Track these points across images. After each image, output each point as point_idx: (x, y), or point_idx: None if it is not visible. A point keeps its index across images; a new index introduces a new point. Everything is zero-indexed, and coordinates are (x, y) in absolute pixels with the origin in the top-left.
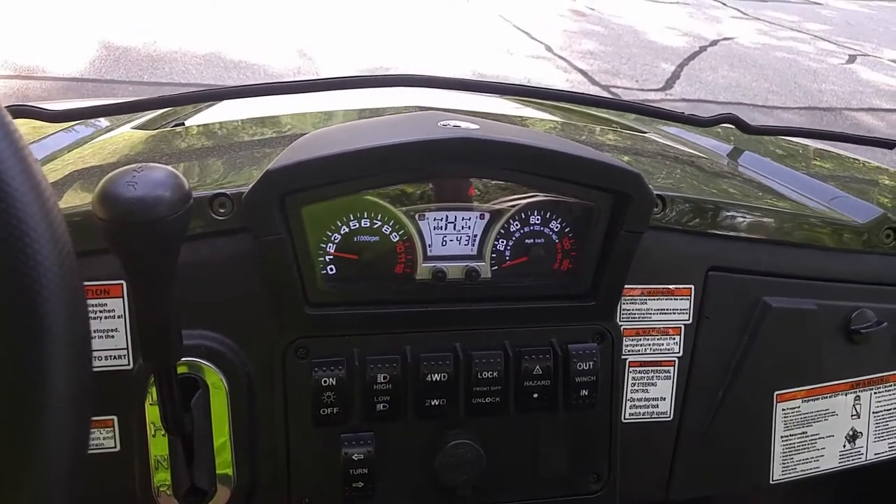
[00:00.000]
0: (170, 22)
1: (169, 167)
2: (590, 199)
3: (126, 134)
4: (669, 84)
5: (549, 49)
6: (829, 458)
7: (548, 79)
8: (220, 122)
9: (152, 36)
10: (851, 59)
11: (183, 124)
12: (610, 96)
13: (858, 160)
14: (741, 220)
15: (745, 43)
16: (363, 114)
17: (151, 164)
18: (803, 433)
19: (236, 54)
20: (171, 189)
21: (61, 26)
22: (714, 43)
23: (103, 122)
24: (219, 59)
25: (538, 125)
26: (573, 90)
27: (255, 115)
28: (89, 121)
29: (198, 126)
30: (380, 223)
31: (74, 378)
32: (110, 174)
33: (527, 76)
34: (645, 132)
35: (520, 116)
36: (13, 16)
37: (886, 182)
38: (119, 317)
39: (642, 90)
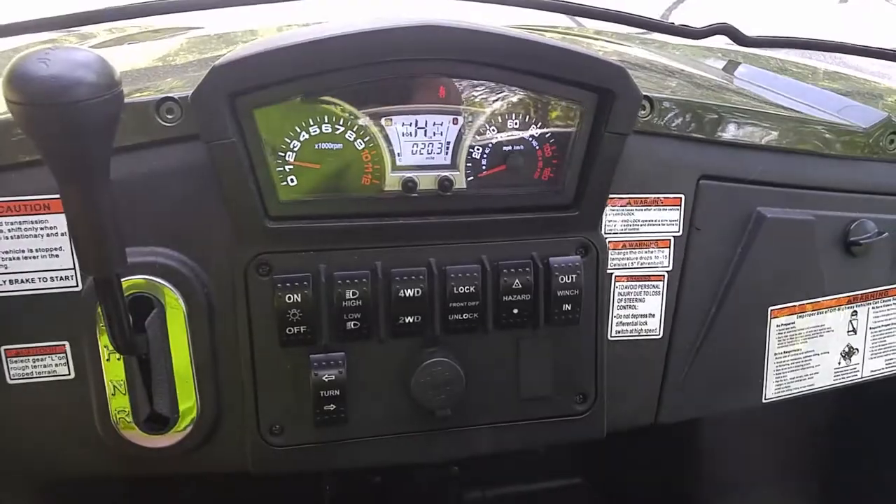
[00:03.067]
0: None
1: (91, 50)
2: (571, 98)
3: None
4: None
5: None
6: (823, 375)
7: None
8: (172, 39)
9: None
10: None
11: (133, 44)
12: (600, 7)
13: (865, 78)
14: (735, 125)
15: None
16: None
17: (70, 45)
18: (797, 350)
19: None
20: (95, 71)
21: None
22: None
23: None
24: None
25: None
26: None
27: (210, 33)
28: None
29: (147, 43)
30: (342, 129)
31: None
32: (20, 54)
33: None
34: (630, 46)
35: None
36: None
37: (893, 98)
38: (63, 234)
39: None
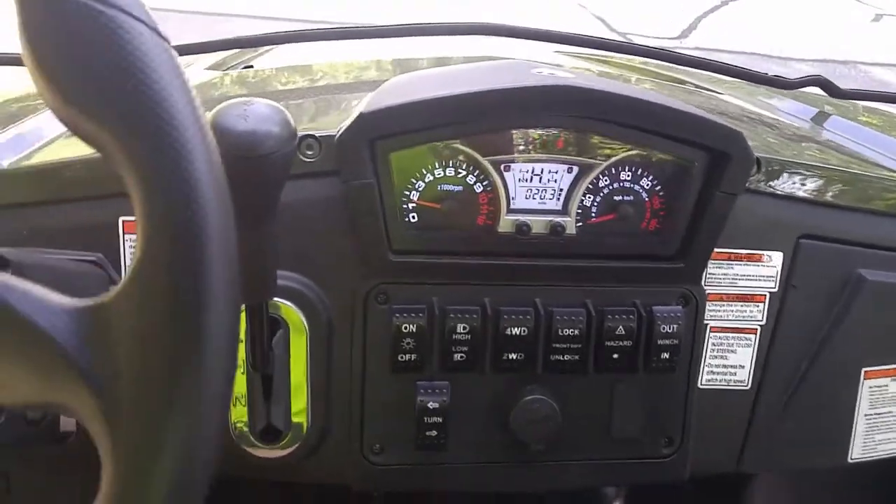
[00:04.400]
0: None
1: (275, 103)
2: (686, 157)
3: (197, 74)
4: (685, 34)
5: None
6: None
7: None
8: (292, 66)
9: None
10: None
11: (251, 66)
12: (692, 54)
13: None
14: (836, 186)
15: None
16: (434, 62)
17: (258, 98)
18: (889, 412)
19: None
20: (279, 124)
21: None
22: None
23: None
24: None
25: (627, 84)
26: (650, 45)
27: (322, 61)
28: None
29: (267, 69)
30: (464, 172)
31: (228, 308)
32: (220, 107)
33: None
34: (720, 93)
35: (593, 72)
36: None
37: None
38: None
39: (658, 38)
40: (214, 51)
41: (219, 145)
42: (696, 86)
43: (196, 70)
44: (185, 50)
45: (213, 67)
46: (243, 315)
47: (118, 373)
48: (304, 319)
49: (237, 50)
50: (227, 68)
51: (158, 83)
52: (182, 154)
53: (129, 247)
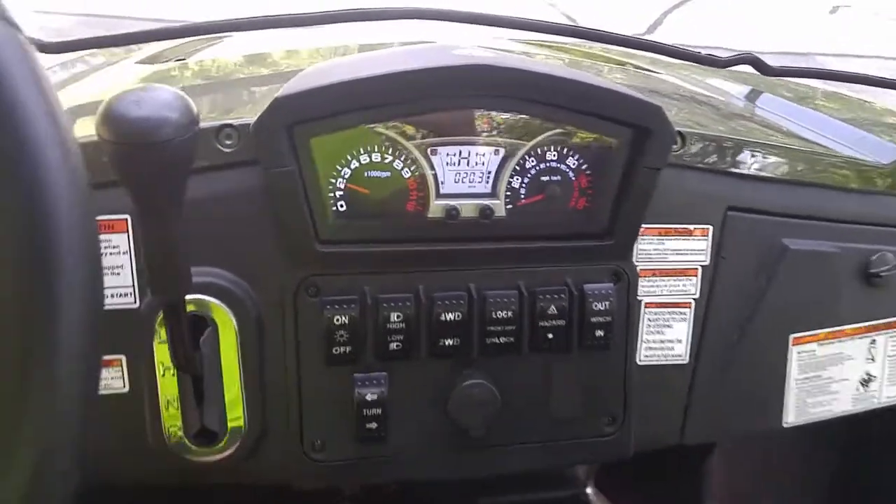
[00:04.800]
0: None
1: (176, 89)
2: (608, 134)
3: (127, 68)
4: (651, 30)
5: None
6: (842, 401)
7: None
8: (222, 58)
9: None
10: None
11: (183, 59)
12: (628, 35)
13: (879, 105)
14: (761, 159)
15: None
16: (367, 48)
17: (157, 85)
18: (818, 376)
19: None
20: (178, 110)
21: None
22: None
23: (101, 58)
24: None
25: (550, 62)
26: (592, 27)
27: (255, 52)
28: (86, 57)
29: (199, 61)
30: (391, 158)
31: (86, 314)
32: (114, 94)
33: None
34: (658, 73)
35: (529, 54)
36: None
37: None
38: (124, 253)
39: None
40: (143, 41)
41: (112, 133)
42: (636, 66)
43: (128, 64)
44: (118, 41)
45: (145, 62)
46: (162, 315)
47: None
48: (232, 316)
49: (169, 44)
50: (160, 62)
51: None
52: (26, 138)
53: None
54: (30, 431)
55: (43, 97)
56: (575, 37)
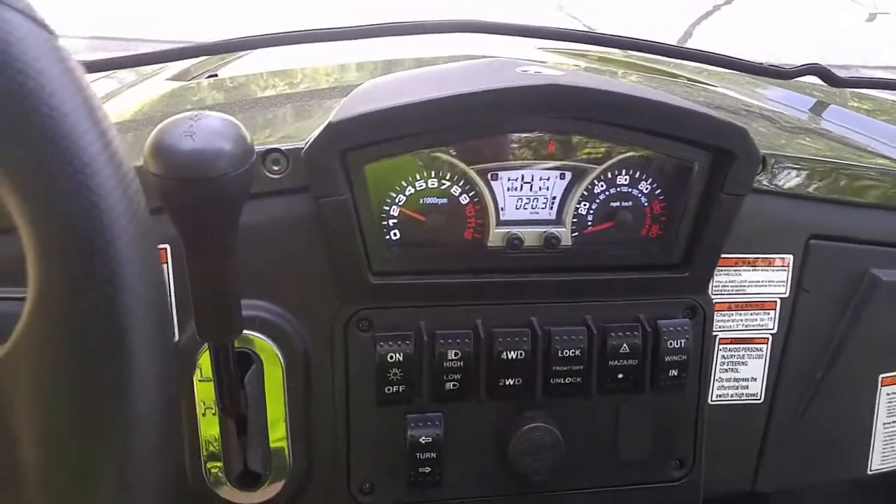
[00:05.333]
0: None
1: (228, 116)
2: (686, 157)
3: (159, 85)
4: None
5: None
6: None
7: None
8: (257, 73)
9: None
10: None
11: (216, 75)
12: (682, 46)
13: None
14: (846, 182)
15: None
16: (413, 64)
17: (207, 112)
18: None
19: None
20: (232, 141)
21: None
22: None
23: (130, 75)
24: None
25: (614, 79)
26: (639, 38)
27: (292, 67)
28: (116, 75)
29: (233, 77)
30: (448, 183)
31: (157, 346)
32: (163, 123)
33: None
34: (716, 86)
35: (582, 68)
36: None
37: None
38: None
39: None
40: (178, 59)
41: (163, 167)
42: (689, 79)
43: (158, 81)
44: (148, 59)
45: (175, 78)
46: (207, 354)
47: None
48: (278, 352)
49: (203, 58)
50: (191, 78)
51: (47, 92)
52: (85, 186)
53: None
54: (109, 475)
55: (102, 134)
56: (627, 49)
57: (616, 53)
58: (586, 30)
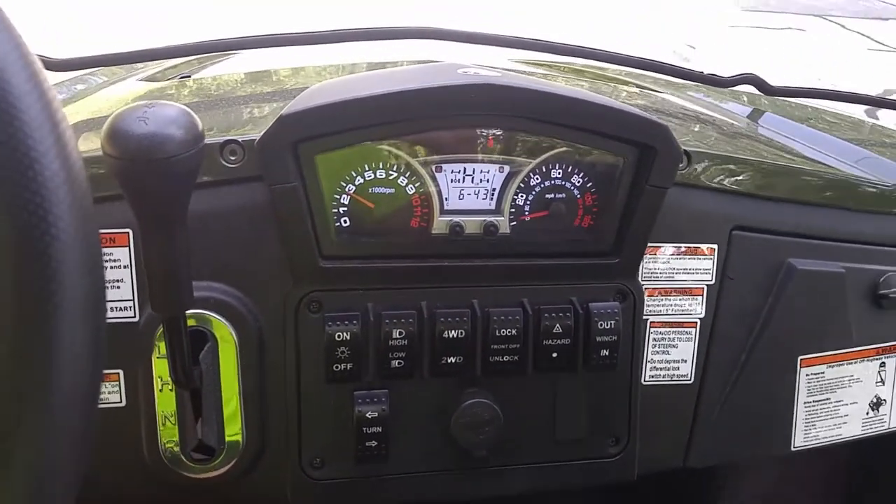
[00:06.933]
0: None
1: (181, 105)
2: (614, 152)
3: (130, 85)
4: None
5: None
6: (851, 425)
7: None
8: (227, 75)
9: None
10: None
11: (189, 76)
12: (631, 55)
13: (882, 125)
14: (766, 179)
15: None
16: (373, 67)
17: (163, 101)
18: (826, 399)
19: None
20: (184, 126)
21: None
22: None
23: (102, 77)
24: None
25: (555, 81)
26: (591, 47)
27: (261, 69)
28: (90, 75)
29: (203, 78)
30: (395, 174)
31: (88, 329)
32: (120, 110)
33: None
34: (661, 92)
35: (532, 74)
36: None
37: None
38: (125, 266)
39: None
40: (149, 60)
41: (117, 149)
42: (639, 86)
43: (129, 82)
44: (123, 59)
45: (148, 79)
46: (162, 329)
47: None
48: (232, 331)
49: (175, 61)
50: (164, 80)
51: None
52: (28, 150)
53: None
54: (26, 453)
55: (47, 110)
56: (579, 56)
57: (576, 62)
58: (542, 39)
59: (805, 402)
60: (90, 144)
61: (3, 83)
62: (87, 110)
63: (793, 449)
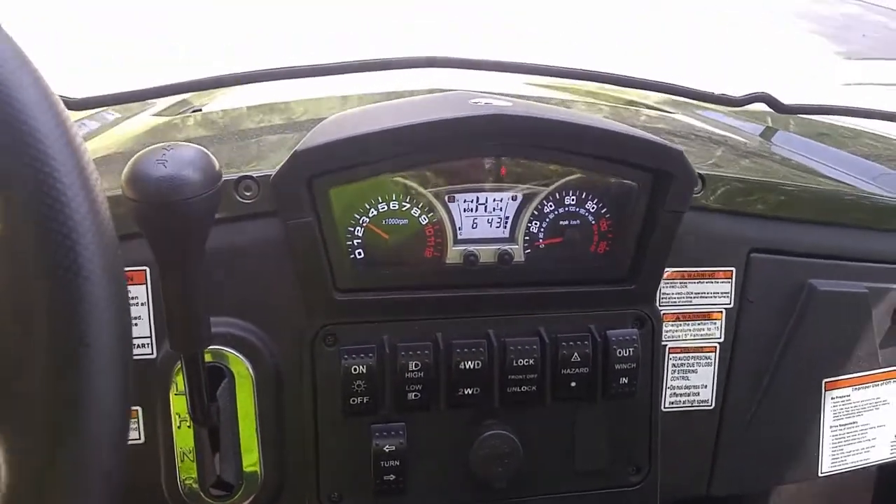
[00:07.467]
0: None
1: (199, 146)
2: (629, 178)
3: (144, 121)
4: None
5: None
6: (880, 448)
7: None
8: (237, 108)
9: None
10: None
11: (200, 110)
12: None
13: None
14: (783, 199)
15: None
16: (383, 97)
17: (180, 143)
18: (853, 423)
19: (247, 43)
20: (201, 168)
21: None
22: None
23: (115, 113)
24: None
25: (566, 107)
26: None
27: (272, 101)
28: (101, 113)
29: (215, 112)
30: (408, 206)
31: (116, 367)
32: (139, 153)
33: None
34: (673, 113)
35: (545, 98)
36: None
37: None
38: (143, 304)
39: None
40: (162, 96)
41: (137, 192)
42: (649, 107)
43: (143, 117)
44: (132, 97)
45: (160, 114)
46: (180, 366)
47: None
48: (249, 367)
49: (185, 95)
50: (176, 114)
51: (19, 104)
52: (58, 193)
53: None
54: (60, 490)
55: (75, 155)
56: (590, 80)
57: (584, 85)
58: (548, 64)
59: (831, 427)
60: (110, 183)
61: (31, 130)
62: (105, 147)
63: (820, 475)
